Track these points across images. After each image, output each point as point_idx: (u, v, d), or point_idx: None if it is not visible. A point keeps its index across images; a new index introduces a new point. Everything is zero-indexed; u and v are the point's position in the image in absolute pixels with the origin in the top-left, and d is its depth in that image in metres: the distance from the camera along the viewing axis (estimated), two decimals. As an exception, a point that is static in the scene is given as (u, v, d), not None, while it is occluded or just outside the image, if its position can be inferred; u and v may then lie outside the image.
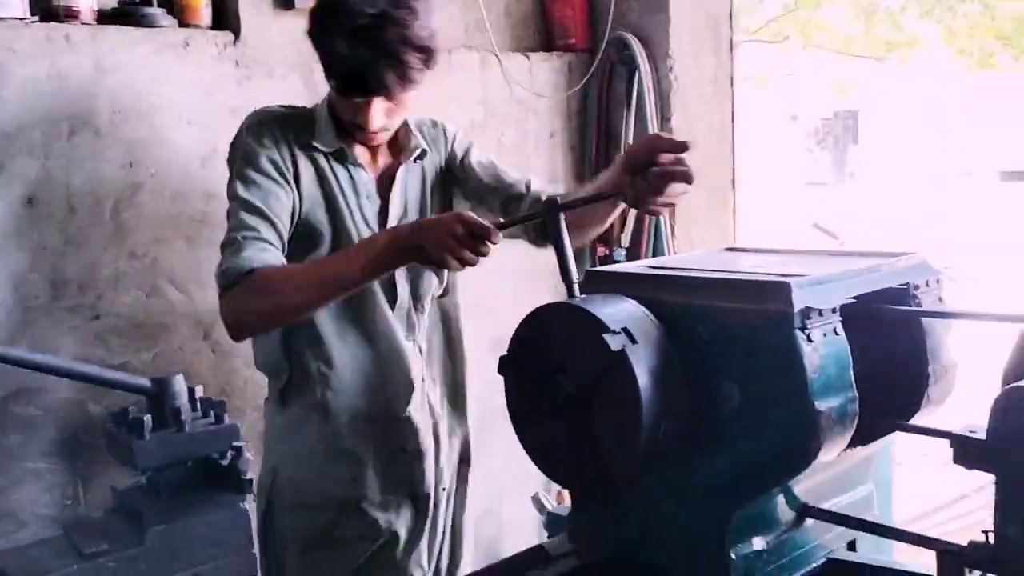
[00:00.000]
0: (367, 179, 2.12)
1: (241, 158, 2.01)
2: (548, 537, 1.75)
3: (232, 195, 1.99)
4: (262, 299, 1.87)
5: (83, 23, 2.32)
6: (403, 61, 1.93)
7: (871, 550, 1.61)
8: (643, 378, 1.30)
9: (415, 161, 2.19)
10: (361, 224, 2.09)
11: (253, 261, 1.87)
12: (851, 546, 1.57)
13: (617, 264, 2.56)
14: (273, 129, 2.04)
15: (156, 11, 2.43)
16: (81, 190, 2.33)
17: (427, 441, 2.20)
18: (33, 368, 1.19)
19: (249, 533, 1.19)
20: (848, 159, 27.96)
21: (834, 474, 1.51)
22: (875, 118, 26.05)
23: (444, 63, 3.00)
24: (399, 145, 2.19)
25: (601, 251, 3.27)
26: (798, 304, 1.26)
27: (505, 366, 1.49)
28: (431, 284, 2.20)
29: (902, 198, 19.35)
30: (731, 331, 1.33)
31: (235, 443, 1.25)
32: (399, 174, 2.16)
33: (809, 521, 1.47)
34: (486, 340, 2.83)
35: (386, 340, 2.13)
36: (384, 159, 2.18)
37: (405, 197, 2.18)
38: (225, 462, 1.24)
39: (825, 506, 1.48)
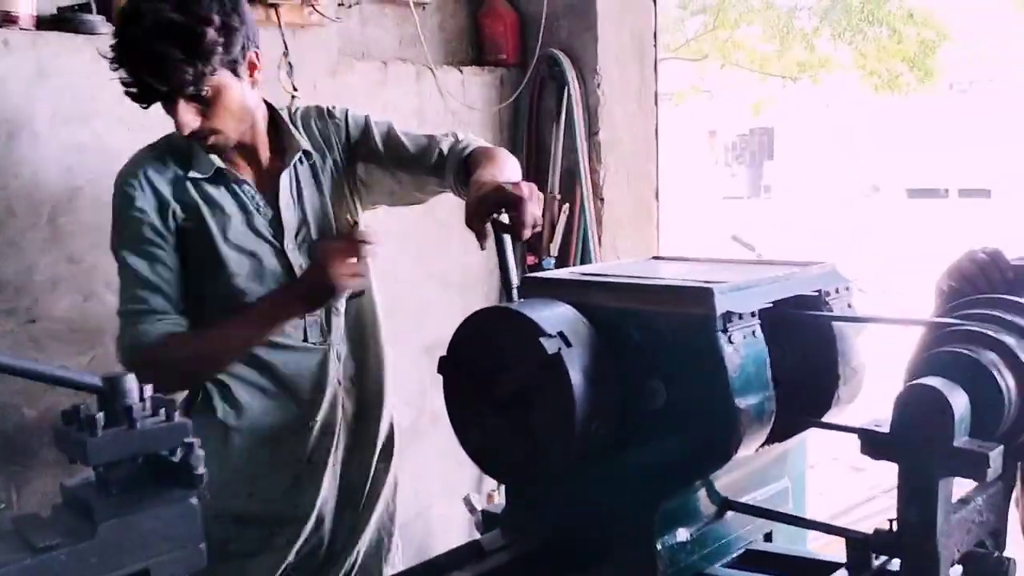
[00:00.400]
0: (252, 192, 2.03)
1: (119, 223, 1.98)
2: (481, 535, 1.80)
3: (118, 261, 1.99)
4: (170, 370, 1.95)
5: (22, 28, 2.32)
6: (158, 54, 1.75)
7: (786, 541, 1.70)
8: (576, 378, 1.37)
9: (301, 162, 2.07)
10: (255, 241, 2.02)
11: (152, 335, 1.94)
12: (768, 537, 1.65)
13: (550, 271, 2.64)
14: (146, 183, 1.95)
15: (95, 18, 2.43)
16: (19, 194, 2.33)
17: (332, 447, 2.16)
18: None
19: (198, 528, 1.23)
20: (764, 174, 28.63)
21: (752, 470, 1.59)
22: (790, 135, 26.72)
23: (380, 75, 3.08)
24: (283, 146, 2.06)
25: (531, 260, 3.36)
26: (720, 308, 1.34)
27: (444, 366, 1.55)
28: None
29: (815, 212, 19.89)
30: (658, 333, 1.40)
31: (186, 440, 1.29)
32: (283, 180, 2.04)
33: (729, 514, 1.54)
34: (417, 346, 2.89)
35: (294, 349, 2.08)
36: (272, 165, 2.06)
37: (298, 202, 2.07)
38: (176, 458, 1.27)
39: (744, 500, 1.56)
